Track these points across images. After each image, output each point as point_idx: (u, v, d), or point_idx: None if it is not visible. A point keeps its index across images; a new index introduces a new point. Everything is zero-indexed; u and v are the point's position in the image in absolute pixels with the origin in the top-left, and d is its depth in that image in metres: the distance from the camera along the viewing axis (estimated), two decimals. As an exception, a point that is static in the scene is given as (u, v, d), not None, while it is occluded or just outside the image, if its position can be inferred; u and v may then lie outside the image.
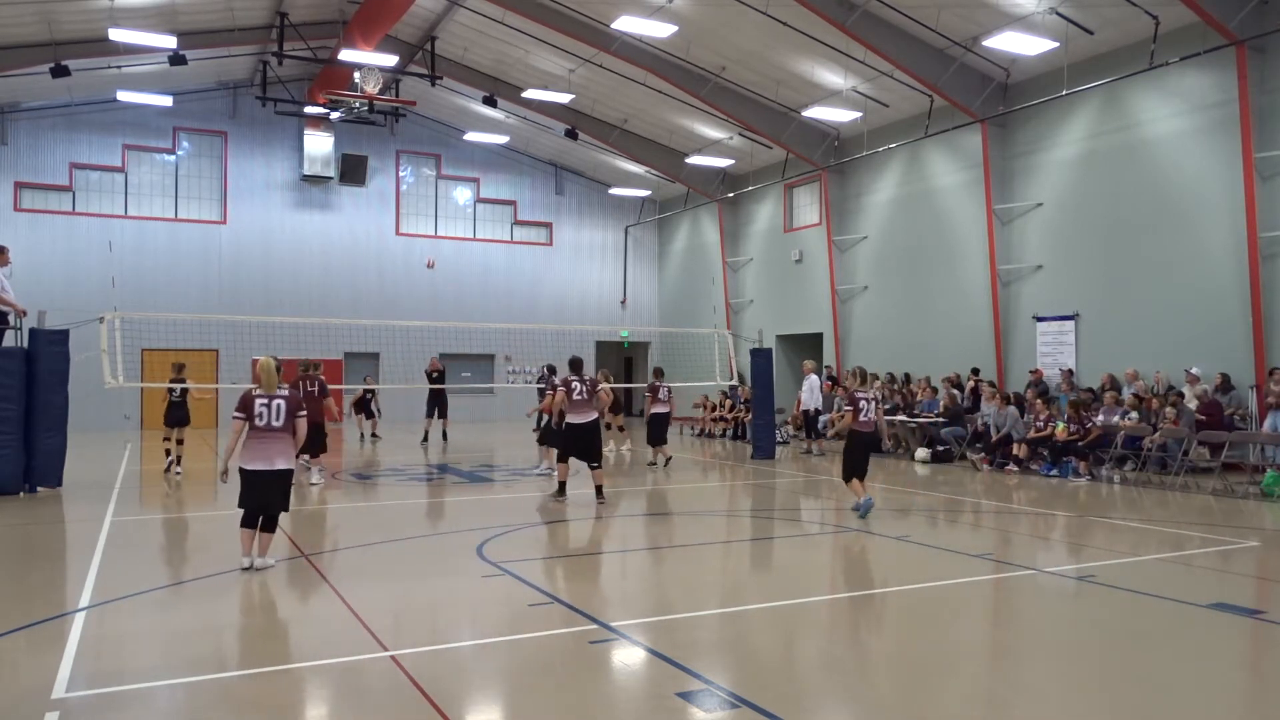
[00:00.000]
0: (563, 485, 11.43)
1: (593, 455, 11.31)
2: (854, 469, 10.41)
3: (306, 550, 8.46)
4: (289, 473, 7.55)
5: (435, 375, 20.49)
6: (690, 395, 25.32)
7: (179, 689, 4.88)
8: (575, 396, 11.17)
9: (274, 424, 7.38)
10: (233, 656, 5.43)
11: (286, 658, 5.42)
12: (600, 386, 11.69)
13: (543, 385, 14.45)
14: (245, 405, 7.41)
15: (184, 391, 14.67)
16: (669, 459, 16.07)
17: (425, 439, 20.36)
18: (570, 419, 11.33)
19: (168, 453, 14.51)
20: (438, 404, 20.55)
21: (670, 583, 7.64)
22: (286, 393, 7.51)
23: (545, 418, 14.61)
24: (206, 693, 4.84)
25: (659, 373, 17.21)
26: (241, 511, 7.49)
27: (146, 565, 7.98)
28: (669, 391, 16.76)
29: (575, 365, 11.54)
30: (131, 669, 5.21)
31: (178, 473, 14.25)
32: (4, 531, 9.66)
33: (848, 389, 10.68)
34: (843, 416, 10.54)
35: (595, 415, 11.38)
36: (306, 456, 13.01)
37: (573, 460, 11.60)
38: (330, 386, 14.09)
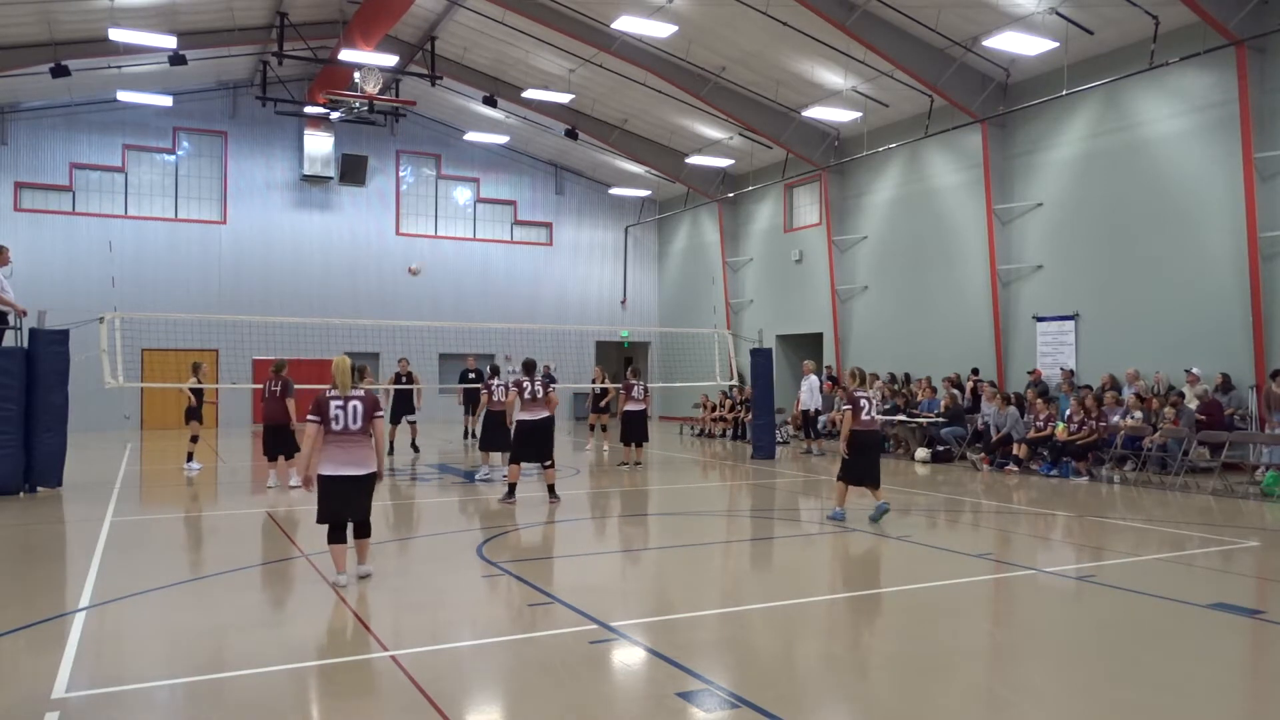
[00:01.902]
0: (512, 487, 11.40)
1: (545, 454, 11.40)
2: (851, 472, 10.05)
3: (306, 550, 8.46)
4: (371, 479, 7.13)
5: (472, 375, 20.26)
6: (690, 395, 25.35)
7: (179, 689, 4.89)
8: (526, 396, 11.30)
9: (351, 427, 6.96)
10: (233, 656, 5.42)
11: (286, 658, 5.41)
12: (553, 387, 11.88)
13: (501, 383, 14.10)
14: (319, 408, 6.94)
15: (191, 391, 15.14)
16: (638, 462, 15.83)
17: (467, 435, 20.61)
18: (521, 417, 11.40)
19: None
20: (472, 402, 20.34)
21: (670, 583, 7.64)
22: (362, 393, 7.09)
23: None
24: (206, 693, 4.84)
25: (635, 371, 16.98)
26: (325, 526, 7.13)
27: (146, 565, 7.97)
28: (644, 390, 16.57)
29: (528, 367, 11.73)
30: (131, 669, 5.21)
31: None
32: (4, 531, 9.66)
33: (846, 390, 10.43)
34: (843, 417, 10.13)
35: (547, 414, 11.41)
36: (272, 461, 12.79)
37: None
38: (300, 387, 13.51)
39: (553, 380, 23.40)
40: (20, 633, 5.85)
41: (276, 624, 6.35)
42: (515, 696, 4.87)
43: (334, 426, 6.94)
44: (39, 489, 12.26)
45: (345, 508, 7.08)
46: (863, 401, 10.04)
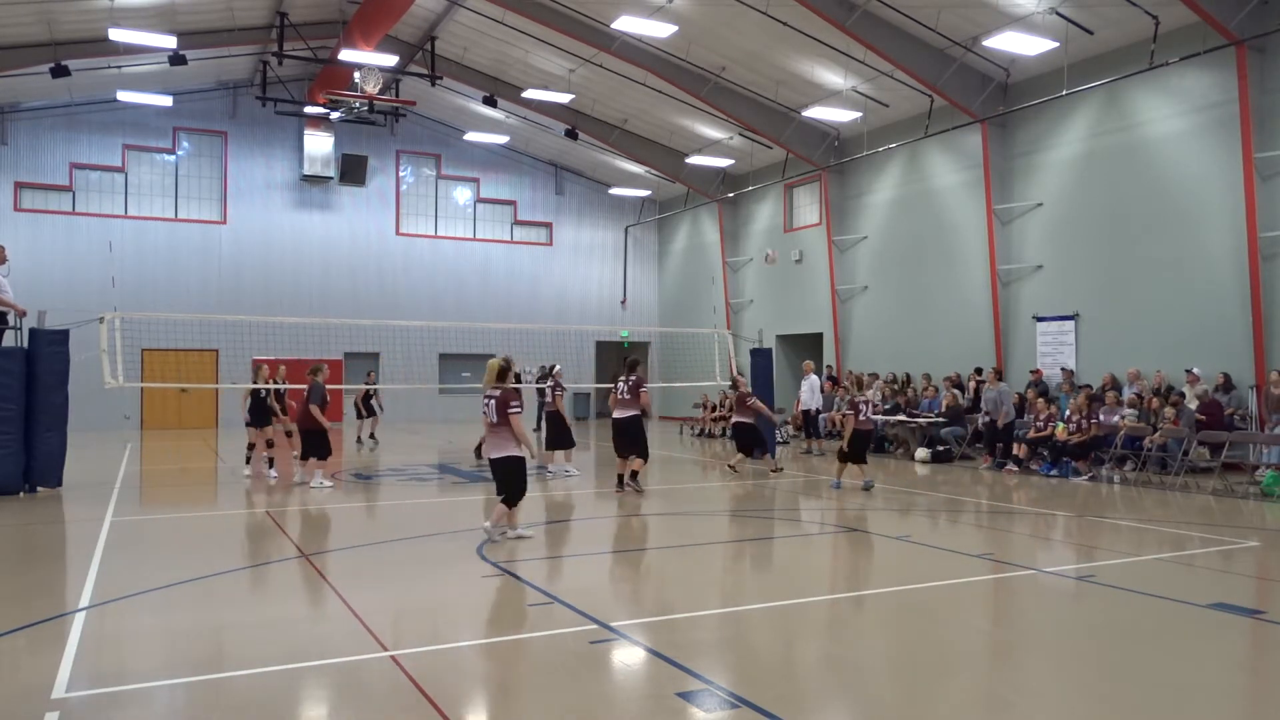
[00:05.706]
0: (635, 474, 12.49)
1: (636, 449, 12.37)
2: (852, 455, 12.69)
3: (307, 550, 8.46)
4: (506, 460, 8.58)
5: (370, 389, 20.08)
6: (691, 395, 25.34)
7: (179, 689, 4.88)
8: (619, 395, 12.44)
9: (493, 420, 8.59)
10: (233, 656, 5.43)
11: (286, 658, 5.41)
12: (645, 388, 12.60)
13: (545, 383, 14.33)
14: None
15: (262, 392, 14.18)
16: (779, 468, 15.23)
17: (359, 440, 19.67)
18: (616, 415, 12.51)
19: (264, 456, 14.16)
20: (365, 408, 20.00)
21: (670, 583, 7.64)
22: (498, 392, 8.52)
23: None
24: (206, 693, 4.84)
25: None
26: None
27: (146, 565, 7.97)
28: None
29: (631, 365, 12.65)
30: (131, 669, 5.21)
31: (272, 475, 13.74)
32: (4, 531, 9.66)
33: (849, 394, 12.71)
34: (844, 419, 12.90)
35: (635, 412, 12.41)
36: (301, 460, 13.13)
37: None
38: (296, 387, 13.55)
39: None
40: (20, 633, 5.85)
41: (276, 624, 6.35)
42: (515, 696, 4.87)
43: (484, 419, 8.73)
44: (39, 489, 12.26)
45: (497, 482, 8.70)
46: (861, 404, 12.69)
